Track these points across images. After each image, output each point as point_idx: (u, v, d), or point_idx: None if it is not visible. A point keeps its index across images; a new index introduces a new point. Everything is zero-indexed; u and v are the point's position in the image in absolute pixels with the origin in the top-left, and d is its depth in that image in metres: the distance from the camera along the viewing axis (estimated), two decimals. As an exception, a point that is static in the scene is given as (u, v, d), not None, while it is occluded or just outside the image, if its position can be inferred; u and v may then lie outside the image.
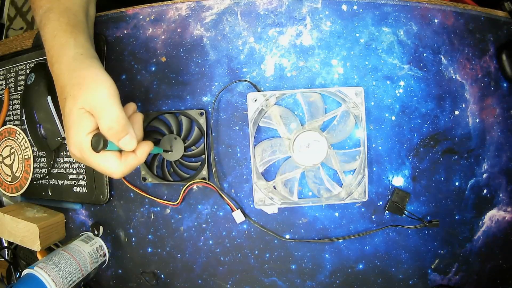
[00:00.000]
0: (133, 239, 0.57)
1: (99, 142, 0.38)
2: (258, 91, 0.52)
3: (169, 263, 0.56)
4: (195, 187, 0.54)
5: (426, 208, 0.53)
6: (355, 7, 0.51)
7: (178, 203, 0.54)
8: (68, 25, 0.44)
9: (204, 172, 0.53)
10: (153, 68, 0.55)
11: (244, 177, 0.54)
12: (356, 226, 0.53)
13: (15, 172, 0.59)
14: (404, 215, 0.52)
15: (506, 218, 0.54)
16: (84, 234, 0.56)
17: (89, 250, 0.54)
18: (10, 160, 0.60)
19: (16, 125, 0.59)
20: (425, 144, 0.52)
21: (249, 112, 0.50)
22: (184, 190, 0.53)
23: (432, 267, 0.54)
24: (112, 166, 0.41)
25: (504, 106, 0.53)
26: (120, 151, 0.42)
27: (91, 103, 0.39)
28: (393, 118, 0.52)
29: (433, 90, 0.52)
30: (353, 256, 0.54)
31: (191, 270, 0.56)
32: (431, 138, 0.52)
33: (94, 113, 0.39)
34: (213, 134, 0.53)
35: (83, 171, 0.56)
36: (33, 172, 0.58)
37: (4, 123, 0.61)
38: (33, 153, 0.58)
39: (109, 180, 0.56)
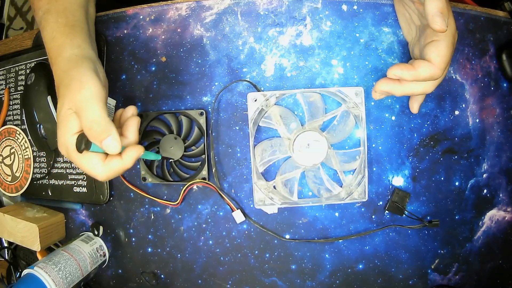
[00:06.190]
0: (133, 239, 0.57)
1: (82, 142, 0.38)
2: (258, 91, 0.52)
3: (169, 263, 0.56)
4: (195, 187, 0.54)
5: (426, 208, 0.53)
6: (355, 7, 0.51)
7: (178, 203, 0.54)
8: (65, 26, 0.45)
9: (204, 172, 0.53)
10: (153, 68, 0.55)
11: (244, 177, 0.54)
12: (356, 226, 0.53)
13: (15, 172, 0.59)
14: (404, 215, 0.52)
15: (506, 218, 0.54)
16: (84, 234, 0.56)
17: (89, 250, 0.54)
18: (10, 160, 0.60)
19: (16, 125, 0.59)
20: (425, 144, 0.52)
21: (249, 112, 0.50)
22: (184, 190, 0.53)
23: (432, 267, 0.54)
24: (95, 168, 0.40)
25: (504, 106, 0.53)
26: (107, 154, 0.41)
27: (75, 104, 0.39)
28: (393, 118, 0.52)
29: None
30: (353, 256, 0.54)
31: (191, 270, 0.56)
32: (431, 138, 0.52)
33: (78, 113, 0.39)
34: (213, 134, 0.53)
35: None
36: (33, 172, 0.58)
37: (4, 123, 0.61)
38: (33, 153, 0.58)
39: (109, 180, 0.56)
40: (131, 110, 0.45)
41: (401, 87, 0.43)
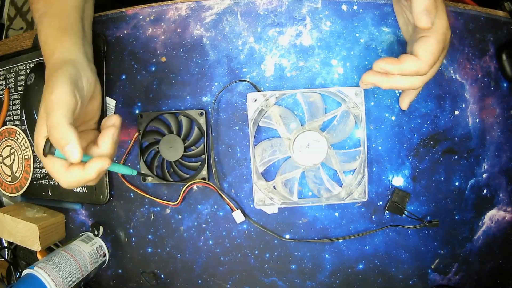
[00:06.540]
0: (133, 239, 0.57)
1: (46, 146, 0.39)
2: (258, 91, 0.52)
3: (169, 263, 0.56)
4: (195, 187, 0.54)
5: (426, 208, 0.53)
6: (355, 7, 0.51)
7: (178, 203, 0.54)
8: (58, 30, 0.45)
9: (204, 172, 0.53)
10: (153, 68, 0.55)
11: (244, 177, 0.54)
12: (356, 226, 0.53)
13: (15, 172, 0.59)
14: (404, 215, 0.52)
15: (506, 218, 0.54)
16: (84, 234, 0.56)
17: (89, 250, 0.54)
18: (10, 160, 0.60)
19: (16, 125, 0.60)
20: (425, 144, 0.52)
21: (249, 112, 0.50)
22: (184, 190, 0.53)
23: (432, 267, 0.54)
24: (57, 174, 0.40)
25: (504, 106, 0.53)
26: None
27: (45, 107, 0.40)
28: (393, 118, 0.52)
29: (433, 90, 0.52)
30: (353, 256, 0.54)
31: (191, 270, 0.56)
32: (431, 138, 0.52)
33: (46, 117, 0.39)
34: (213, 134, 0.53)
35: (83, 171, 0.56)
36: (33, 172, 0.58)
37: (4, 123, 0.61)
38: (33, 153, 0.58)
39: (109, 180, 0.56)
40: (112, 120, 0.43)
41: (387, 80, 0.43)
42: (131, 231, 0.57)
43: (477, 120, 0.52)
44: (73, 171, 0.40)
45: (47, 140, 0.39)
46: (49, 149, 0.39)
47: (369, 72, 0.44)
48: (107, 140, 0.42)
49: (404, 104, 0.49)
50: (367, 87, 0.47)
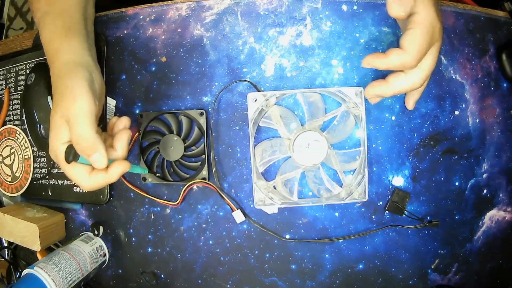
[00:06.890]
0: (133, 239, 0.57)
1: (70, 154, 0.39)
2: (258, 91, 0.52)
3: (169, 263, 0.56)
4: (195, 187, 0.54)
5: (426, 208, 0.53)
6: (355, 7, 0.51)
7: (178, 203, 0.54)
8: (63, 29, 0.45)
9: (204, 172, 0.53)
10: (153, 68, 0.55)
11: (244, 177, 0.54)
12: (356, 226, 0.53)
13: (15, 172, 0.59)
14: (404, 215, 0.52)
15: (506, 218, 0.54)
16: (84, 234, 0.56)
17: (89, 250, 0.54)
18: (10, 160, 0.60)
19: (16, 125, 0.59)
20: (425, 144, 0.52)
21: (249, 112, 0.50)
22: (184, 190, 0.53)
23: (432, 267, 0.54)
24: (81, 178, 0.41)
25: (504, 106, 0.53)
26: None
27: (67, 115, 0.40)
28: (393, 118, 0.52)
29: (433, 90, 0.52)
30: (353, 256, 0.54)
31: (191, 270, 0.56)
32: (431, 138, 0.52)
33: (68, 125, 0.40)
34: (213, 134, 0.53)
35: (83, 171, 0.56)
36: (33, 172, 0.58)
37: (4, 123, 0.61)
38: (33, 153, 0.58)
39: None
40: (123, 122, 0.45)
41: (388, 87, 0.42)
42: (131, 231, 0.57)
43: (477, 120, 0.52)
44: (97, 176, 0.41)
45: (70, 147, 0.39)
46: (73, 156, 0.39)
47: (369, 86, 0.44)
48: (122, 144, 0.43)
49: (410, 104, 0.49)
50: (375, 100, 0.47)
